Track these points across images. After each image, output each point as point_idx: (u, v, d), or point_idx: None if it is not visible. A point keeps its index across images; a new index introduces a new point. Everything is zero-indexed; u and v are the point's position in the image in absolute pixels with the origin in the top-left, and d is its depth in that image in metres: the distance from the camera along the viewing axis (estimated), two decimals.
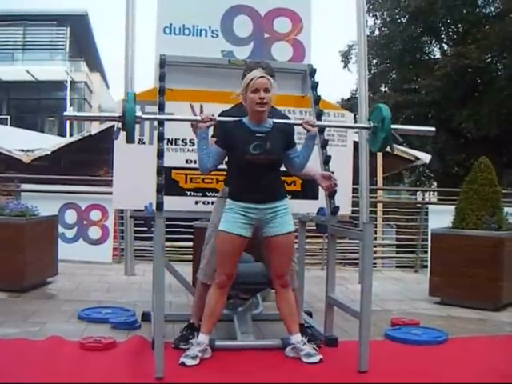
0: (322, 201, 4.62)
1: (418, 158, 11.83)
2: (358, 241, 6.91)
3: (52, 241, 6.48)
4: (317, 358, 3.75)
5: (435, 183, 19.07)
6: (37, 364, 3.61)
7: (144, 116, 3.98)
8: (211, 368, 3.68)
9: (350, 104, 19.50)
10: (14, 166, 12.23)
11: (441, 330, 4.59)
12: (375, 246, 9.60)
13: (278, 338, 4.13)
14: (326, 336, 4.27)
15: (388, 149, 4.15)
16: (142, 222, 4.67)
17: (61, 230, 7.62)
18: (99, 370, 3.57)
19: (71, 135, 23.18)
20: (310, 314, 5.03)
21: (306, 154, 3.99)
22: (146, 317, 4.81)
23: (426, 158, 12.03)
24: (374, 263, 8.67)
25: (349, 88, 33.07)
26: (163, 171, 4.10)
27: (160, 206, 3.94)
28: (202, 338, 3.83)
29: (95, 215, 8.16)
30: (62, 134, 24.04)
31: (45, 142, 13.75)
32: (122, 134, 3.87)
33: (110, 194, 5.51)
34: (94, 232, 8.17)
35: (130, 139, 3.78)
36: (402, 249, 9.66)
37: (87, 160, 12.81)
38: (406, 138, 17.02)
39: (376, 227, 10.03)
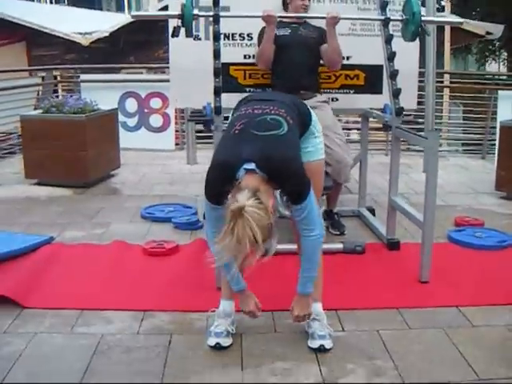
0: (385, 95, 4.41)
1: (488, 33, 11.14)
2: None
3: (113, 134, 6.51)
4: (317, 344, 2.83)
5: (505, 53, 18.02)
6: (100, 273, 3.71)
7: (200, 13, 4.03)
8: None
9: None
10: (73, 48, 12.21)
11: (506, 233, 4.46)
12: (441, 128, 9.33)
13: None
14: (388, 239, 4.23)
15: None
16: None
17: (122, 118, 7.67)
18: (162, 279, 3.64)
19: (129, 8, 22.85)
20: (372, 211, 4.97)
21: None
22: None
23: (497, 31, 11.29)
24: (440, 150, 8.43)
25: None
26: (220, 73, 3.96)
27: (218, 109, 3.84)
28: (229, 306, 3.01)
29: (155, 103, 8.11)
30: (120, 9, 23.70)
31: (103, 21, 13.58)
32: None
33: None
34: (156, 120, 8.16)
35: (188, 34, 3.97)
36: (469, 128, 9.29)
37: (146, 40, 12.64)
38: (475, 9, 15.95)
39: (442, 105, 9.70)
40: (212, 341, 2.86)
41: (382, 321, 3.12)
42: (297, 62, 4.33)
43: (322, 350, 2.80)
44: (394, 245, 4.19)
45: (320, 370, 2.64)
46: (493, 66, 17.66)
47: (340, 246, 4.08)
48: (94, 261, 3.90)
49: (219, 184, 2.53)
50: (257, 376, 2.61)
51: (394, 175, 4.22)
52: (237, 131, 2.66)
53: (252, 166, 2.47)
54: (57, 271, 3.71)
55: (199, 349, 2.82)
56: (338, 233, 4.50)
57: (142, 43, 12.72)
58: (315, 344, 2.83)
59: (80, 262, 3.89)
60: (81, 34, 11.85)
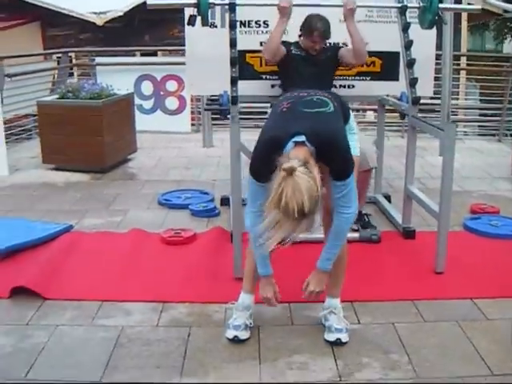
0: (402, 82, 4.40)
1: (506, 11, 11.01)
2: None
3: (129, 119, 6.55)
4: (333, 337, 2.86)
5: None
6: (119, 263, 3.76)
7: (217, 2, 4.07)
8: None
9: None
10: (87, 28, 12.20)
11: None
12: (457, 109, 9.25)
13: None
14: (404, 227, 4.25)
15: None
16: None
17: (138, 101, 7.73)
18: (180, 269, 3.69)
19: None
20: (388, 198, 4.99)
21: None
22: (224, 201, 4.90)
23: None
24: (457, 131, 8.36)
25: None
26: (236, 62, 3.97)
27: (234, 99, 3.86)
28: (248, 300, 3.02)
29: (171, 86, 8.15)
30: None
31: (118, 0, 13.51)
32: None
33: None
34: (172, 102, 8.21)
35: (205, 22, 3.98)
36: (485, 111, 9.21)
37: (161, 19, 12.54)
38: None
39: (458, 87, 9.63)
40: (230, 333, 2.90)
41: (398, 313, 3.16)
42: (308, 85, 4.23)
43: (338, 343, 2.84)
44: (409, 233, 4.21)
45: (336, 364, 2.69)
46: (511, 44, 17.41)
47: (356, 235, 4.10)
48: (113, 250, 3.95)
49: (266, 159, 2.48)
50: (274, 369, 2.66)
51: (410, 163, 4.24)
52: (285, 109, 2.72)
53: (302, 138, 2.50)
54: (76, 261, 3.77)
55: (218, 342, 2.88)
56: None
57: (156, 22, 12.63)
58: (332, 337, 2.87)
59: (99, 251, 3.94)
60: (95, 13, 11.81)
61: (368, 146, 4.33)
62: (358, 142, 3.11)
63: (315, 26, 4.14)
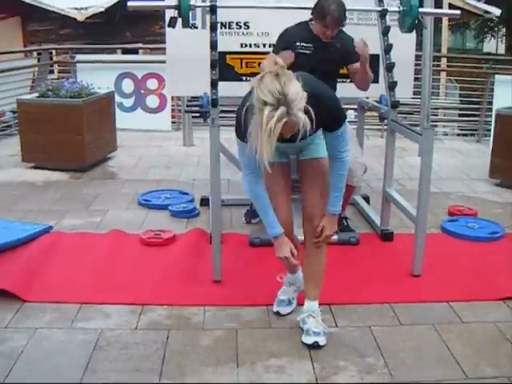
0: (382, 84, 4.44)
1: (487, 12, 11.13)
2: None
3: (109, 117, 6.52)
4: (311, 340, 2.88)
5: (504, 29, 17.93)
6: (99, 265, 3.75)
7: (197, 4, 4.09)
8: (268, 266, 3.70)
9: None
10: (68, 24, 12.16)
11: (498, 224, 4.52)
12: (437, 109, 9.33)
13: None
14: (382, 230, 4.29)
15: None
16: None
17: (118, 99, 7.71)
18: (159, 271, 3.69)
19: None
20: (367, 199, 5.03)
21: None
22: (204, 202, 4.90)
23: (495, 11, 11.29)
24: (436, 130, 8.45)
25: None
26: (217, 64, 3.97)
27: (214, 102, 3.86)
28: (291, 278, 3.21)
29: (152, 84, 8.15)
30: None
31: None
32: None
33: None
34: (152, 100, 8.20)
35: (185, 24, 4.01)
36: (464, 112, 9.29)
37: (142, 15, 12.52)
38: None
39: (439, 88, 9.72)
40: (275, 308, 3.19)
41: (375, 316, 3.20)
42: None
43: (315, 346, 2.87)
44: (387, 236, 4.26)
45: (313, 367, 2.72)
46: (491, 42, 17.60)
47: (335, 237, 4.10)
48: (93, 252, 3.94)
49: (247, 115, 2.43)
50: (252, 372, 2.69)
51: (389, 166, 4.27)
52: None
53: None
54: (55, 263, 3.76)
55: (196, 345, 2.89)
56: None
57: (138, 18, 12.60)
58: (309, 340, 2.90)
59: (78, 253, 3.93)
60: (76, 9, 11.80)
61: (357, 165, 4.10)
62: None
63: (328, 10, 3.72)
